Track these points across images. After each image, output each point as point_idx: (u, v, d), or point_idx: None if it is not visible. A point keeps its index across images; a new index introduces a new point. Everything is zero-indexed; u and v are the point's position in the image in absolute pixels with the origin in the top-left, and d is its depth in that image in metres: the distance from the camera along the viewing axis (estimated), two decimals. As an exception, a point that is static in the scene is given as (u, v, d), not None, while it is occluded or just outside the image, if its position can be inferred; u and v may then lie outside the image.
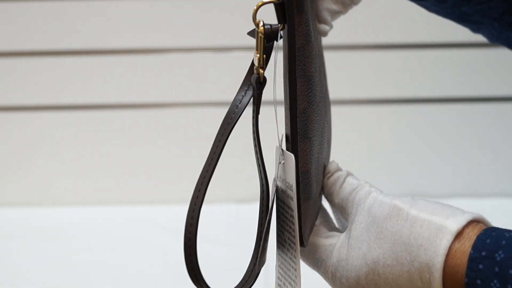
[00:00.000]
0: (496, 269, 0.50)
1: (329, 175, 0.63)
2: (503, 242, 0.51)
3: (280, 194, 0.62)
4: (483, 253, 0.51)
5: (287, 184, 0.60)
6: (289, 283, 0.64)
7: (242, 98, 0.59)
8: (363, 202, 0.58)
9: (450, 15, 0.73)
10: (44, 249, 1.27)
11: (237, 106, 0.59)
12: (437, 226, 0.53)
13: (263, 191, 0.62)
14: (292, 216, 0.60)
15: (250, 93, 0.59)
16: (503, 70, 1.35)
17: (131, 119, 1.38)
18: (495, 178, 1.39)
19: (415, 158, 1.39)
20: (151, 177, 1.41)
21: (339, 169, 0.63)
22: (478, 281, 0.50)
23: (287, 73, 0.58)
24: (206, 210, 1.45)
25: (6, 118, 1.38)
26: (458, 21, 0.74)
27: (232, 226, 1.32)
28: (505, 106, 1.37)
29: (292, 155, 0.58)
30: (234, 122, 0.58)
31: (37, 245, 1.28)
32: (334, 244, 0.59)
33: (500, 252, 0.50)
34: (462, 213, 0.54)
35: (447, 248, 0.52)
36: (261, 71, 0.59)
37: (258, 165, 0.61)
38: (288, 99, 0.58)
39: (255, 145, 0.61)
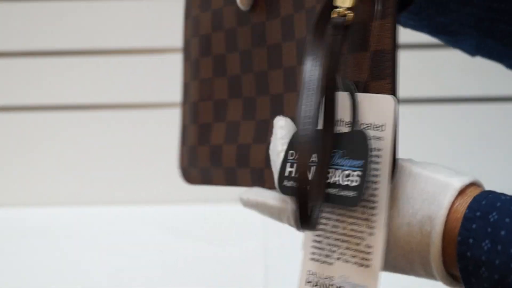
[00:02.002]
0: (489, 229, 0.51)
1: None
2: (498, 204, 0.52)
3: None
4: (478, 214, 0.52)
5: (366, 126, 0.55)
6: (354, 246, 0.56)
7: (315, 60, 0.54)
8: None
9: (427, 28, 0.73)
10: (44, 249, 1.27)
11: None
12: (442, 182, 0.54)
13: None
14: (379, 155, 0.55)
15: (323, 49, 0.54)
16: (504, 70, 1.35)
17: (131, 119, 1.38)
18: (495, 178, 1.39)
19: (415, 158, 1.38)
20: (151, 177, 1.41)
21: None
22: (471, 240, 0.51)
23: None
24: (206, 210, 1.45)
25: (6, 118, 1.38)
26: (436, 33, 0.74)
27: (232, 226, 1.32)
28: (505, 106, 1.37)
29: (390, 96, 0.54)
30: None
31: (37, 245, 1.28)
32: None
33: (494, 213, 0.51)
34: (465, 174, 0.55)
35: (451, 202, 0.53)
36: (349, 14, 0.54)
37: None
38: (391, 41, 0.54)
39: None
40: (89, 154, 1.40)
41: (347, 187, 0.54)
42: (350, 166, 0.55)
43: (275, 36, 0.65)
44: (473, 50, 0.75)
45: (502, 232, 0.50)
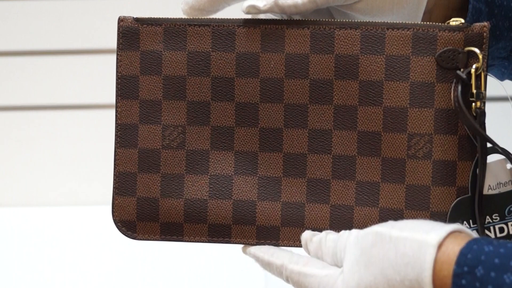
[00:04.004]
0: (477, 284, 0.53)
1: (307, 241, 0.65)
2: (483, 258, 0.54)
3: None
4: (465, 269, 0.54)
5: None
6: None
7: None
8: (348, 242, 0.61)
9: None
10: (43, 249, 1.27)
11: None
12: (419, 242, 0.56)
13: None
14: None
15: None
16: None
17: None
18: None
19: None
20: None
21: (314, 234, 0.65)
22: None
23: None
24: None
25: (6, 118, 1.38)
26: None
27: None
28: (505, 106, 1.37)
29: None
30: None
31: (36, 245, 1.28)
32: (330, 275, 0.61)
33: (479, 267, 0.53)
34: (442, 226, 0.57)
35: (432, 261, 0.55)
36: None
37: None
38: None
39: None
40: (89, 154, 1.40)
41: None
42: None
43: (300, 96, 0.66)
44: (504, 77, 0.80)
45: (489, 287, 0.52)
